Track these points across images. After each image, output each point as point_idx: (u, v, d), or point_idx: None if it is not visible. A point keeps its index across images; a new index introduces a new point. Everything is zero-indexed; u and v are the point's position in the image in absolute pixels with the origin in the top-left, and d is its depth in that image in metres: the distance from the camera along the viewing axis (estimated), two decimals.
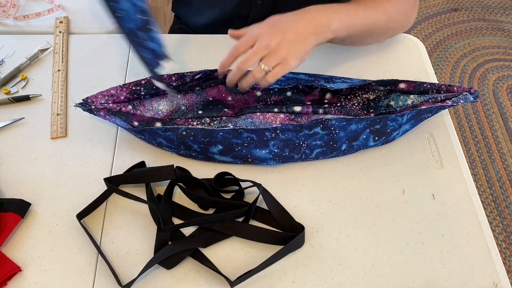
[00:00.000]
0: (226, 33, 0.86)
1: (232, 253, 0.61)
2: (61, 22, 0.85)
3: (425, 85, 0.71)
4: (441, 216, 0.65)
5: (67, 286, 0.58)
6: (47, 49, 0.81)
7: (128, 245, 0.61)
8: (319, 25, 0.65)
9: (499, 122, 1.76)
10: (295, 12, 0.66)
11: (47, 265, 0.59)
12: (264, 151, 0.66)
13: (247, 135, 0.65)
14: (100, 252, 0.59)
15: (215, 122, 0.72)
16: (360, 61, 0.82)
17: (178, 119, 0.72)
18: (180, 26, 1.02)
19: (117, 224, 0.63)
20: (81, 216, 0.62)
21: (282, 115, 0.73)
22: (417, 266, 0.61)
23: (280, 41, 0.62)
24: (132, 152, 0.70)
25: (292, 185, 0.67)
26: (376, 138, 0.68)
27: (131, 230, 0.62)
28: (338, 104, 0.73)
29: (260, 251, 0.61)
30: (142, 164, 0.67)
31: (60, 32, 0.84)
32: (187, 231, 0.63)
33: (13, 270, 0.58)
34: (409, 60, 0.83)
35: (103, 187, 0.65)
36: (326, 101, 0.74)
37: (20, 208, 0.62)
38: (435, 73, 1.47)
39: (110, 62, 0.80)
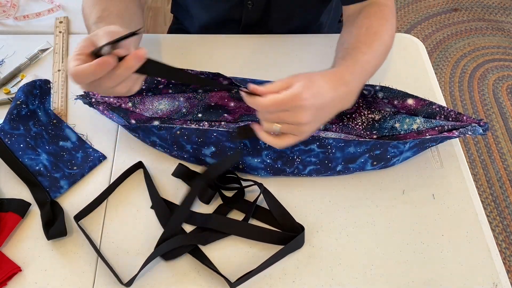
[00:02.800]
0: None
1: (232, 253, 0.61)
2: (61, 22, 0.85)
3: (433, 106, 0.68)
4: (441, 216, 0.65)
5: (67, 286, 0.58)
6: (47, 49, 0.81)
7: (128, 245, 0.61)
8: (350, 97, 0.62)
9: (499, 122, 1.76)
10: (334, 88, 0.59)
11: (47, 265, 0.59)
12: (256, 160, 0.65)
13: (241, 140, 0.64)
14: (99, 254, 0.59)
15: (213, 128, 0.71)
16: None
17: (177, 120, 0.72)
18: (179, 26, 1.02)
19: (117, 224, 0.63)
20: (78, 217, 0.62)
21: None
22: (417, 266, 0.61)
23: (313, 125, 0.57)
24: (132, 152, 0.70)
25: (292, 185, 0.67)
26: (375, 163, 0.67)
27: (131, 230, 0.62)
28: (340, 124, 0.72)
29: (259, 251, 0.61)
30: (139, 164, 0.67)
31: (60, 32, 0.84)
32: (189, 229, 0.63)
33: (13, 270, 0.58)
34: (409, 60, 0.84)
35: (103, 187, 0.65)
36: None
37: (20, 208, 0.62)
38: (435, 73, 1.47)
39: None
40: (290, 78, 0.55)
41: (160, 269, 0.59)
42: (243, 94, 0.55)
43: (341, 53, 0.67)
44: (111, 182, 0.66)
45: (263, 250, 0.61)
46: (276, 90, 0.54)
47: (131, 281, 0.57)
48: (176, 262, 0.60)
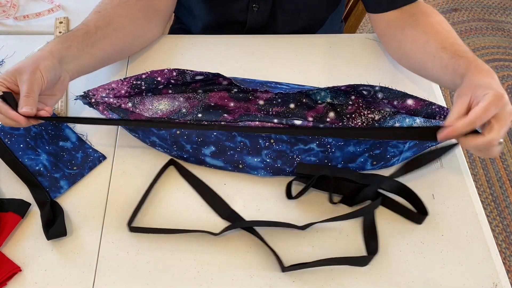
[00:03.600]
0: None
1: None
2: (61, 22, 0.85)
3: (433, 107, 0.68)
4: (441, 216, 0.65)
5: (67, 286, 0.58)
6: None
7: (128, 245, 0.61)
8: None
9: None
10: (493, 80, 0.60)
11: (47, 265, 0.59)
12: (256, 159, 0.65)
13: (241, 139, 0.64)
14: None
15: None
16: (361, 60, 0.82)
17: (177, 120, 0.72)
18: (180, 26, 1.02)
19: (117, 224, 0.63)
20: (130, 222, 0.62)
21: (281, 127, 0.72)
22: (417, 266, 0.61)
23: None
24: (132, 152, 0.70)
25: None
26: (374, 163, 0.67)
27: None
28: (340, 124, 0.72)
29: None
30: (171, 162, 0.67)
31: (60, 32, 0.84)
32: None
33: (13, 270, 0.58)
34: None
35: (103, 187, 0.65)
36: (328, 119, 0.72)
37: (20, 208, 0.62)
38: None
39: None
40: (467, 96, 0.56)
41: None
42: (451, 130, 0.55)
43: (446, 53, 0.67)
44: (110, 183, 0.66)
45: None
46: (464, 108, 0.55)
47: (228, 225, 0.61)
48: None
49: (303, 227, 0.62)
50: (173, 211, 0.64)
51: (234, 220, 0.63)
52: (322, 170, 0.63)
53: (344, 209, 0.65)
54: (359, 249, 0.62)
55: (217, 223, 0.63)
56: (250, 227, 0.62)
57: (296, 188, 0.66)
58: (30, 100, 0.58)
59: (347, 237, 0.63)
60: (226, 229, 0.61)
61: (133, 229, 0.61)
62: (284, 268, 0.58)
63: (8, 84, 0.60)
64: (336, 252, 0.61)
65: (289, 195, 0.65)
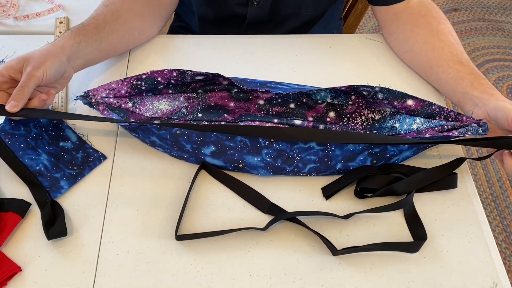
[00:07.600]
0: (224, 33, 0.86)
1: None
2: (61, 22, 0.85)
3: (433, 107, 0.68)
4: (441, 216, 0.65)
5: (67, 286, 0.58)
6: None
7: (128, 245, 0.61)
8: None
9: None
10: None
11: (47, 265, 0.59)
12: (256, 159, 0.66)
13: (241, 138, 0.65)
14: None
15: None
16: (361, 60, 0.82)
17: (177, 120, 0.72)
18: (181, 24, 1.02)
19: (116, 224, 0.63)
20: (176, 232, 0.61)
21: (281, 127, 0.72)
22: (417, 266, 0.61)
23: None
24: (132, 152, 0.70)
25: (291, 185, 0.67)
26: (374, 162, 0.67)
27: (131, 230, 0.62)
28: (340, 123, 0.72)
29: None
30: (203, 165, 0.67)
31: (60, 32, 0.84)
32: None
33: (13, 270, 0.58)
34: None
35: (103, 187, 0.65)
36: (328, 119, 0.72)
37: (20, 208, 0.62)
38: None
39: (110, 62, 0.80)
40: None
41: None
42: None
43: (463, 67, 0.72)
44: (110, 183, 0.66)
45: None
46: None
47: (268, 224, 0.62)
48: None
49: (345, 217, 0.63)
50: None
51: (276, 213, 0.64)
52: (344, 180, 0.66)
53: (375, 202, 0.66)
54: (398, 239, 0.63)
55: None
56: (292, 218, 0.63)
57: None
58: (19, 95, 0.61)
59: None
60: (271, 222, 0.62)
61: (180, 237, 0.61)
62: (336, 252, 0.60)
63: (13, 72, 0.62)
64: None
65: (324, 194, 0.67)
